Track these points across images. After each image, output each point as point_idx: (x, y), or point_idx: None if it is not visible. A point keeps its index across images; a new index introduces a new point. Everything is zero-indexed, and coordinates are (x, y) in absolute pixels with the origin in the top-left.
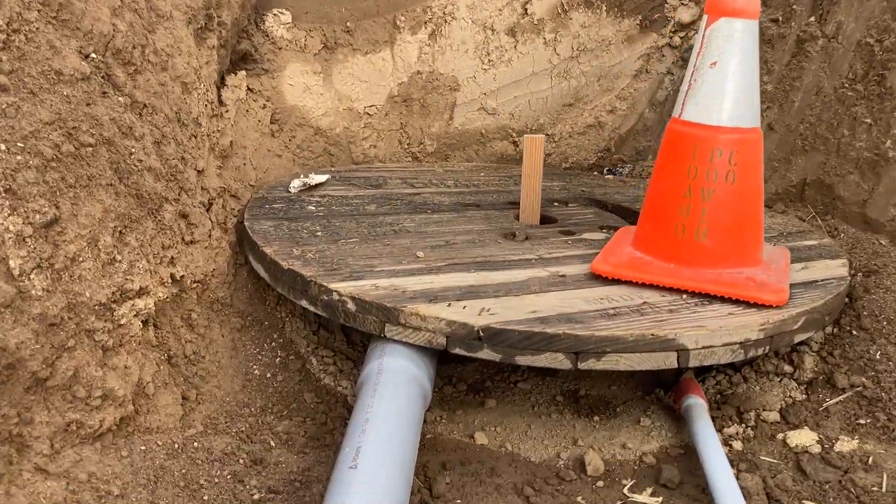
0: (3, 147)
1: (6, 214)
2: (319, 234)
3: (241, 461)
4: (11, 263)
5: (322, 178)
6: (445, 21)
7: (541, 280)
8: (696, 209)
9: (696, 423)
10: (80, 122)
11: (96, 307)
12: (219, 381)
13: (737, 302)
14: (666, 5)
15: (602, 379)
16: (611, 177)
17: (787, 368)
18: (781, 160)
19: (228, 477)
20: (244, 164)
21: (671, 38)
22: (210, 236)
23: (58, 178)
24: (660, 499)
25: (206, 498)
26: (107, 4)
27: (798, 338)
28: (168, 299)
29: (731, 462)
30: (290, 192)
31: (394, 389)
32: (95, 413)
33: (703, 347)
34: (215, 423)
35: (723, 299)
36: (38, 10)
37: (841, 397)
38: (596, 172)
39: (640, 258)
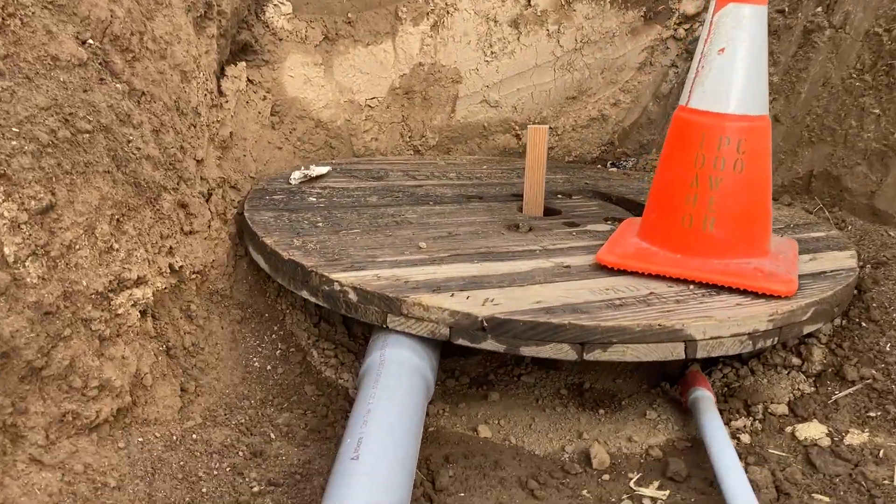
0: None
1: (0, 200)
2: (320, 224)
3: (240, 453)
4: (6, 250)
5: (323, 169)
6: (448, 12)
7: (545, 271)
8: (703, 198)
9: (704, 415)
10: (77, 109)
11: (93, 296)
12: (218, 373)
13: (745, 292)
14: None
15: (607, 372)
16: (614, 170)
17: (796, 361)
18: (788, 152)
19: (227, 469)
20: (244, 155)
21: (676, 30)
22: (209, 227)
23: (54, 164)
24: (667, 492)
25: (204, 490)
26: None
27: (807, 329)
28: (167, 290)
29: (739, 455)
30: (290, 183)
31: (396, 380)
32: (92, 404)
33: (711, 338)
34: (214, 416)
35: (730, 290)
36: None
37: (850, 390)
38: (599, 166)
39: (646, 248)
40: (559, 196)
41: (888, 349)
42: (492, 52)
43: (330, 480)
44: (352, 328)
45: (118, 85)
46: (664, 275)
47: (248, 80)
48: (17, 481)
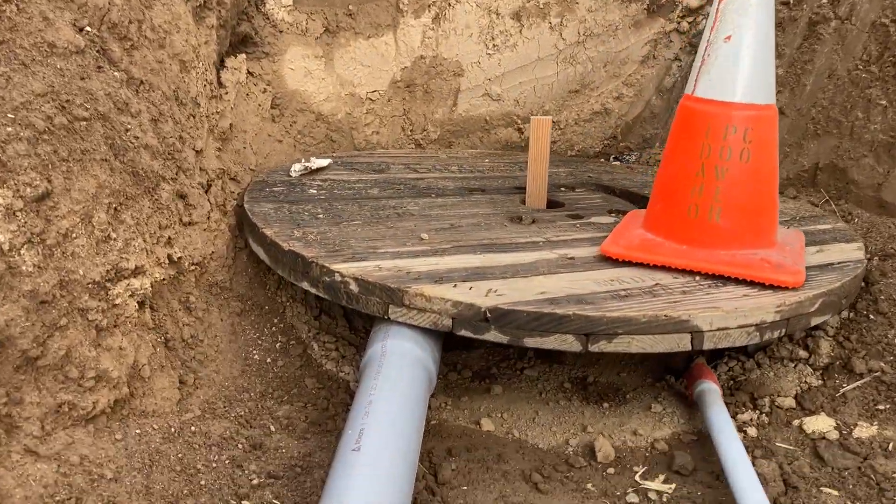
0: None
1: None
2: (321, 216)
3: (239, 446)
4: (1, 237)
5: (324, 162)
6: (449, 4)
7: (549, 262)
8: (709, 188)
9: (710, 408)
10: (74, 96)
11: (90, 285)
12: (217, 365)
13: (751, 284)
14: None
15: (611, 366)
16: (617, 164)
17: (802, 354)
18: (793, 145)
19: (227, 462)
20: (244, 147)
21: (679, 23)
22: (209, 218)
23: (50, 150)
24: (673, 486)
25: (203, 483)
26: None
27: (815, 321)
28: (165, 281)
29: (746, 449)
30: (290, 175)
31: (398, 372)
32: (88, 394)
33: (718, 329)
34: (213, 408)
35: (737, 281)
36: None
37: (859, 382)
38: (602, 160)
39: (651, 240)
40: (562, 189)
41: None
42: (494, 45)
43: (331, 472)
44: (353, 321)
45: (116, 73)
46: (670, 266)
47: (249, 72)
48: (12, 472)
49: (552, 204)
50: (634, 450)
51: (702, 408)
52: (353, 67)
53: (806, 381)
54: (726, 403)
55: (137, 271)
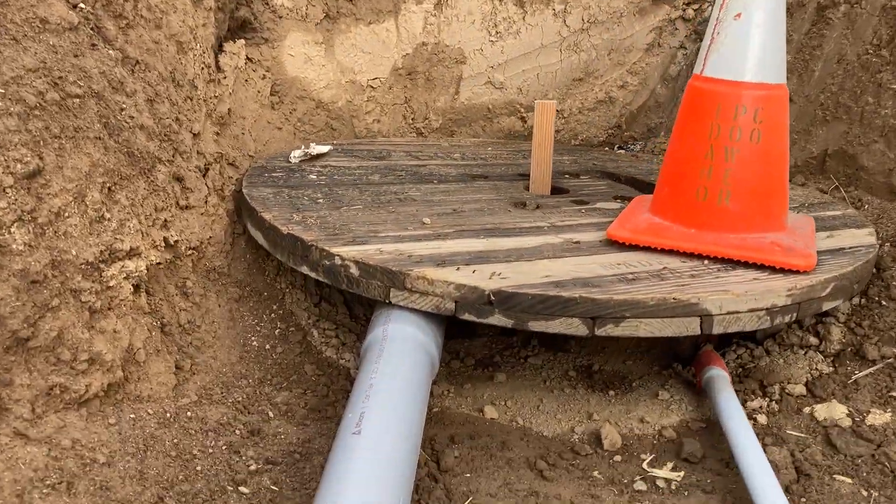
0: None
1: None
2: (321, 201)
3: (237, 432)
4: None
5: (324, 148)
6: None
7: (554, 246)
8: (718, 170)
9: (719, 395)
10: (67, 73)
11: (83, 266)
12: (215, 351)
13: (762, 267)
14: None
15: (616, 354)
16: (622, 152)
17: (813, 340)
18: (801, 132)
19: (224, 447)
20: (242, 133)
21: (684, 10)
22: (206, 202)
23: (41, 126)
24: (681, 473)
25: (199, 468)
26: None
27: (826, 306)
28: (161, 265)
29: (756, 436)
30: (290, 162)
31: (399, 356)
32: (81, 377)
33: (728, 313)
34: (210, 394)
35: (747, 265)
36: None
37: (871, 369)
38: (606, 149)
39: (658, 223)
40: (566, 176)
41: None
42: (496, 32)
43: (330, 456)
44: (353, 309)
45: (111, 51)
46: (678, 250)
47: (248, 58)
48: (1, 455)
49: (556, 190)
50: (642, 437)
51: (711, 394)
52: (354, 54)
53: (817, 368)
54: (735, 390)
55: (132, 253)
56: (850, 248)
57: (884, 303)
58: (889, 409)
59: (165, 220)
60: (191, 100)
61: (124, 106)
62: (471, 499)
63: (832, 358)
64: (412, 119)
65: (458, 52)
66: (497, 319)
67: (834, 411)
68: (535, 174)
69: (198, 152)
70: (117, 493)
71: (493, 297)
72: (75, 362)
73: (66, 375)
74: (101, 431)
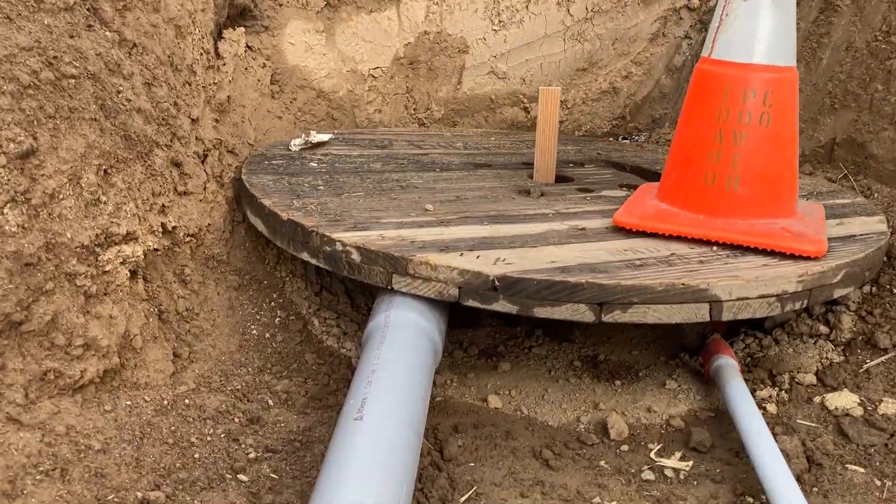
0: None
1: None
2: (321, 188)
3: (236, 420)
4: None
5: (324, 136)
6: None
7: (559, 233)
8: (727, 155)
9: (728, 383)
10: (63, 53)
11: (78, 249)
12: (213, 339)
13: (772, 253)
14: None
15: (622, 344)
16: (627, 142)
17: (823, 329)
18: (808, 120)
19: (222, 435)
20: (242, 121)
21: None
22: (205, 189)
23: (35, 106)
24: (690, 463)
25: (196, 456)
26: None
27: (837, 293)
28: (159, 252)
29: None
30: (290, 150)
31: (402, 342)
32: (76, 363)
33: (738, 299)
34: (209, 382)
35: (756, 251)
36: None
37: (883, 358)
38: (611, 139)
39: (666, 209)
40: (570, 165)
41: None
42: (499, 21)
43: (331, 442)
44: (354, 298)
45: (108, 33)
46: (686, 236)
47: (248, 46)
48: None
49: (561, 179)
50: (649, 427)
51: (719, 383)
52: (355, 43)
53: (827, 357)
54: (744, 380)
55: (129, 237)
56: (861, 235)
57: (895, 291)
58: None
59: (163, 206)
60: (189, 85)
61: (121, 88)
62: (475, 488)
63: (843, 347)
64: (414, 109)
65: (461, 41)
66: (501, 306)
67: (845, 400)
68: (540, 162)
69: (196, 138)
70: (113, 480)
71: (497, 283)
72: (70, 347)
73: (60, 360)
74: (96, 418)
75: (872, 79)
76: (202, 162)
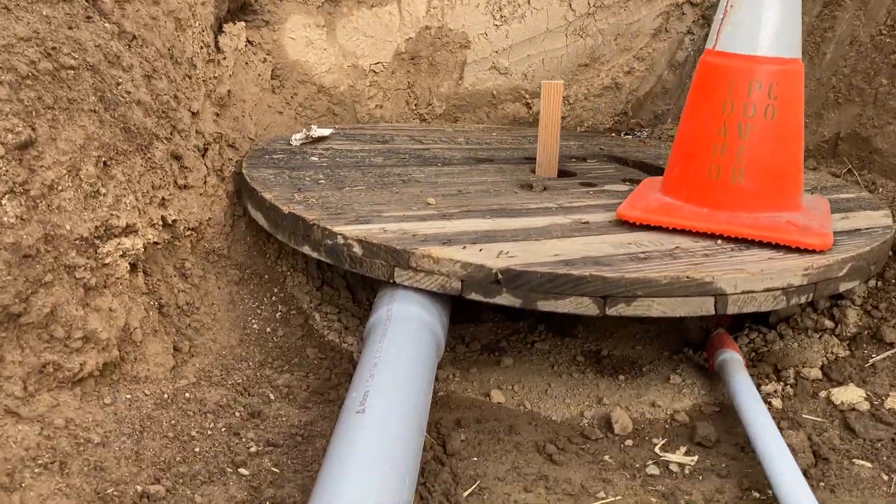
0: None
1: None
2: (322, 182)
3: (237, 414)
4: None
5: (325, 131)
6: None
7: (562, 226)
8: (731, 148)
9: (733, 377)
10: (61, 44)
11: (77, 241)
12: (214, 334)
13: (776, 247)
14: None
15: (625, 339)
16: (629, 138)
17: (828, 324)
18: (812, 115)
19: (223, 429)
20: (243, 115)
21: None
22: (206, 183)
23: (34, 96)
24: (695, 458)
25: (197, 450)
26: None
27: (843, 287)
28: (159, 245)
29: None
30: (291, 144)
31: (404, 335)
32: (75, 356)
33: (743, 292)
34: (209, 376)
35: (761, 244)
36: None
37: (889, 352)
38: (613, 135)
39: (670, 203)
40: (573, 160)
41: None
42: (501, 16)
43: (333, 435)
44: (356, 293)
45: (107, 25)
46: (690, 229)
47: (248, 41)
48: None
49: (563, 174)
50: (653, 422)
51: (724, 377)
52: (356, 38)
53: (833, 352)
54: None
55: (129, 230)
56: (866, 229)
57: None
58: None
59: (163, 199)
60: (189, 78)
61: (121, 80)
62: (478, 482)
63: (848, 341)
64: (415, 105)
65: (462, 36)
66: (505, 299)
67: (852, 395)
68: (542, 157)
69: (196, 132)
70: (112, 473)
71: (500, 276)
72: (69, 340)
73: (59, 353)
74: (95, 411)
75: (877, 73)
76: (202, 156)
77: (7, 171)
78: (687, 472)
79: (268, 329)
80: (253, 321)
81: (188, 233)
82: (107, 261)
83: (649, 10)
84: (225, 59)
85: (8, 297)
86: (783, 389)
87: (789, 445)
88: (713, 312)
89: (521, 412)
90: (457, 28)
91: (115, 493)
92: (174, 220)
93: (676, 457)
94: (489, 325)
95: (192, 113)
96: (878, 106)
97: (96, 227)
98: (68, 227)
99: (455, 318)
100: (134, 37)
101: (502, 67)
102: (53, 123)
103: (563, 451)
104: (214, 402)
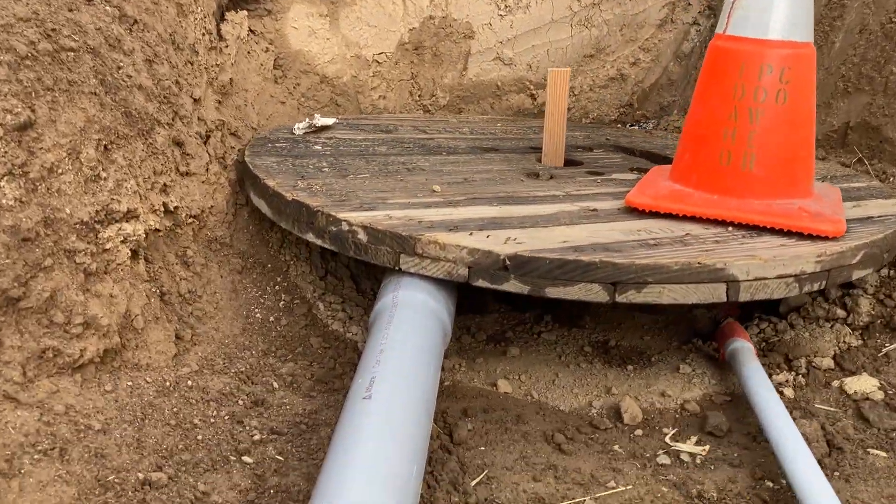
0: None
1: None
2: (326, 169)
3: (240, 402)
4: None
5: (329, 120)
6: None
7: (571, 214)
8: (742, 133)
9: (745, 366)
10: (61, 26)
11: (77, 225)
12: (216, 322)
13: (788, 234)
14: None
15: (633, 330)
16: (635, 129)
17: (840, 313)
18: (821, 105)
19: (226, 417)
20: (245, 104)
21: None
22: (208, 170)
23: (33, 77)
24: (706, 447)
25: (200, 437)
26: None
27: (856, 274)
28: (161, 233)
29: None
30: (294, 133)
31: (410, 322)
32: (75, 341)
33: (755, 279)
34: (212, 364)
35: (773, 231)
36: None
37: None
38: (619, 126)
39: (680, 190)
40: (579, 149)
41: None
42: (506, 6)
43: (339, 422)
44: (360, 283)
45: (108, 8)
46: (701, 216)
47: (250, 30)
48: None
49: (570, 163)
50: (663, 411)
51: (735, 367)
52: (360, 28)
53: (845, 341)
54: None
55: (130, 215)
56: (879, 216)
57: None
58: None
59: (165, 185)
60: (191, 64)
61: (121, 64)
62: (486, 472)
63: (861, 331)
64: (419, 96)
65: (466, 26)
66: (512, 286)
67: (865, 384)
68: (548, 145)
69: (198, 118)
70: (113, 460)
71: (508, 262)
72: (69, 325)
73: (59, 339)
74: (96, 398)
75: (887, 61)
76: (204, 143)
77: (6, 152)
78: (698, 461)
79: (271, 318)
80: (256, 310)
81: (190, 220)
82: (107, 246)
83: (655, 1)
84: (227, 46)
85: (7, 281)
86: (795, 379)
87: (803, 434)
88: (725, 299)
89: (529, 402)
90: (461, 18)
91: (116, 480)
92: (176, 207)
93: (687, 446)
94: (495, 315)
95: (194, 99)
96: (888, 95)
97: (97, 212)
98: (68, 211)
99: (460, 309)
100: (135, 21)
101: (507, 58)
102: (53, 105)
103: (571, 441)
104: (217, 391)
